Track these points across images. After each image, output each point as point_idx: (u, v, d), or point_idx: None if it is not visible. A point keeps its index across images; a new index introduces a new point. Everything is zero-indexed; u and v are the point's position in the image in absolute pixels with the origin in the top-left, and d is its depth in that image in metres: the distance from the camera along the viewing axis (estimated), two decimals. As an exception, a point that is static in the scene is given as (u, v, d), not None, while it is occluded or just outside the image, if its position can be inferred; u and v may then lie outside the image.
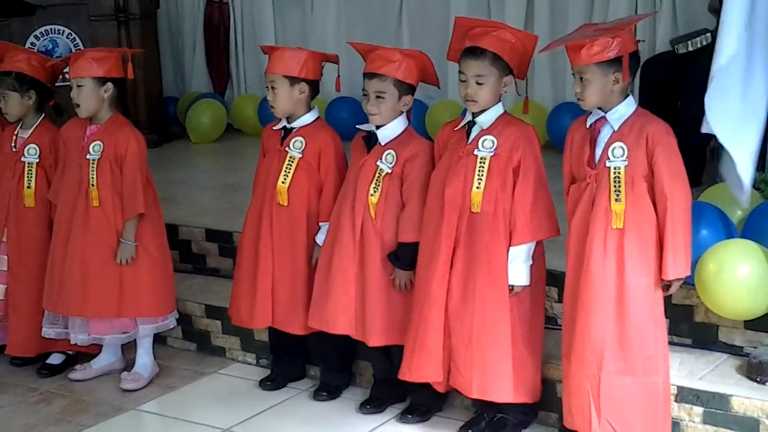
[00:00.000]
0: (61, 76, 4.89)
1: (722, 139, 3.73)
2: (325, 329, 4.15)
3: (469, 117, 3.87)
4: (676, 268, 3.50)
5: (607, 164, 3.54)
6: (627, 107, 3.58)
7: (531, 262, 3.81)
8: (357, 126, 4.23)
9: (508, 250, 3.76)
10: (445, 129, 4.01)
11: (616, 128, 3.56)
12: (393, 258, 4.02)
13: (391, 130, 4.07)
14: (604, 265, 3.52)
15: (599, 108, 3.59)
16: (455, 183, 3.81)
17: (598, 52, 3.49)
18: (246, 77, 8.07)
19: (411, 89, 4.06)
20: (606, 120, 3.59)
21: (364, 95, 4.05)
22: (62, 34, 7.07)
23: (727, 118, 3.72)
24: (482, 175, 3.77)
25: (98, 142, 4.43)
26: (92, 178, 4.42)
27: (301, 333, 4.32)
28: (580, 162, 3.62)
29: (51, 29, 7.07)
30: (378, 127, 4.07)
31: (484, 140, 3.80)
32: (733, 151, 3.74)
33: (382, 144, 4.07)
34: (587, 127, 3.64)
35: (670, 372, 3.65)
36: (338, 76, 4.35)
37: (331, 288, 4.10)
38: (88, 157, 4.43)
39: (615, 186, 3.52)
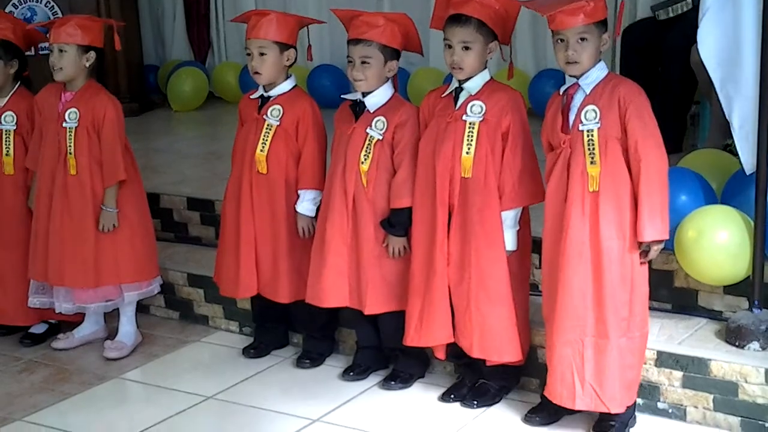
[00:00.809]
0: (32, 48, 4.84)
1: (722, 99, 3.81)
2: (317, 304, 4.15)
3: (455, 83, 3.87)
4: (652, 230, 3.50)
5: (580, 128, 3.55)
6: (599, 71, 3.59)
7: (518, 228, 3.83)
8: (342, 96, 4.21)
9: (500, 213, 3.77)
10: (430, 96, 4.01)
11: (588, 92, 3.57)
12: (386, 224, 4.02)
13: (378, 97, 4.05)
14: (582, 229, 3.53)
15: (575, 75, 3.59)
16: (445, 149, 3.81)
17: (598, 10, 3.51)
18: (227, 45, 8.03)
19: (396, 54, 4.05)
20: (579, 86, 3.59)
21: (350, 62, 4.03)
22: (41, 2, 7.01)
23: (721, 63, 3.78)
24: (471, 140, 3.78)
25: (74, 109, 4.41)
26: (70, 146, 4.40)
27: (284, 301, 4.33)
28: (554, 130, 3.63)
29: (29, -4, 7.02)
30: (365, 95, 4.06)
31: (473, 105, 3.80)
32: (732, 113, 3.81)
33: (371, 111, 4.05)
34: (560, 94, 3.64)
35: (649, 337, 3.68)
36: (309, 44, 4.33)
37: (325, 259, 4.09)
38: (64, 125, 4.41)
39: (589, 149, 3.53)
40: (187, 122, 7.43)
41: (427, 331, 3.91)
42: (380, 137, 4.02)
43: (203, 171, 5.93)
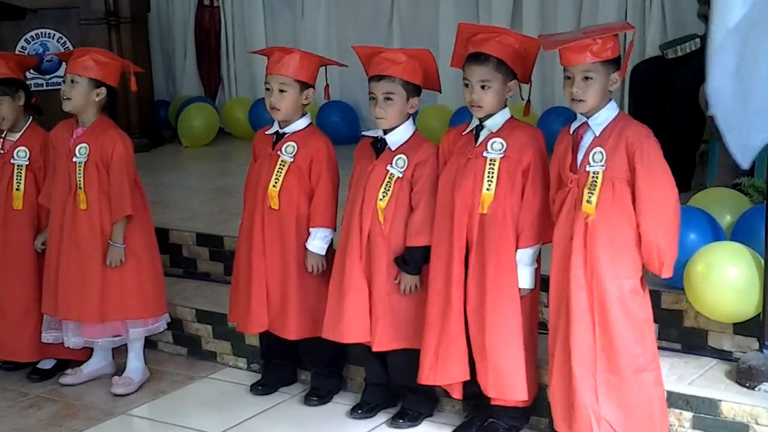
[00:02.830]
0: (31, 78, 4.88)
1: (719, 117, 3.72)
2: (338, 340, 4.13)
3: (476, 122, 3.88)
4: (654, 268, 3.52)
5: (587, 169, 3.56)
6: (609, 112, 3.60)
7: (535, 266, 3.83)
8: (363, 133, 4.23)
9: (516, 251, 3.78)
10: (450, 134, 4.02)
11: (597, 133, 3.58)
12: (401, 262, 4.02)
13: (400, 134, 4.06)
14: (584, 268, 3.54)
15: (582, 113, 3.61)
16: (464, 185, 3.82)
17: (605, 50, 3.51)
18: (237, 81, 8.08)
19: (417, 91, 4.05)
20: (588, 126, 3.60)
21: (372, 99, 4.03)
22: (53, 38, 7.06)
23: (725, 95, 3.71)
24: (492, 176, 3.78)
25: (84, 144, 4.44)
26: (79, 180, 4.42)
27: (291, 338, 4.33)
28: (563, 168, 3.65)
29: (41, 33, 7.06)
30: (386, 132, 4.07)
31: (493, 143, 3.81)
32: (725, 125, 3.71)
33: (393, 149, 4.06)
34: (571, 133, 3.66)
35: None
36: (327, 84, 4.34)
37: (345, 294, 4.08)
38: (75, 159, 4.43)
39: (590, 190, 3.53)
40: (197, 158, 7.46)
41: (443, 368, 3.89)
42: (400, 175, 4.02)
43: (213, 207, 5.95)
